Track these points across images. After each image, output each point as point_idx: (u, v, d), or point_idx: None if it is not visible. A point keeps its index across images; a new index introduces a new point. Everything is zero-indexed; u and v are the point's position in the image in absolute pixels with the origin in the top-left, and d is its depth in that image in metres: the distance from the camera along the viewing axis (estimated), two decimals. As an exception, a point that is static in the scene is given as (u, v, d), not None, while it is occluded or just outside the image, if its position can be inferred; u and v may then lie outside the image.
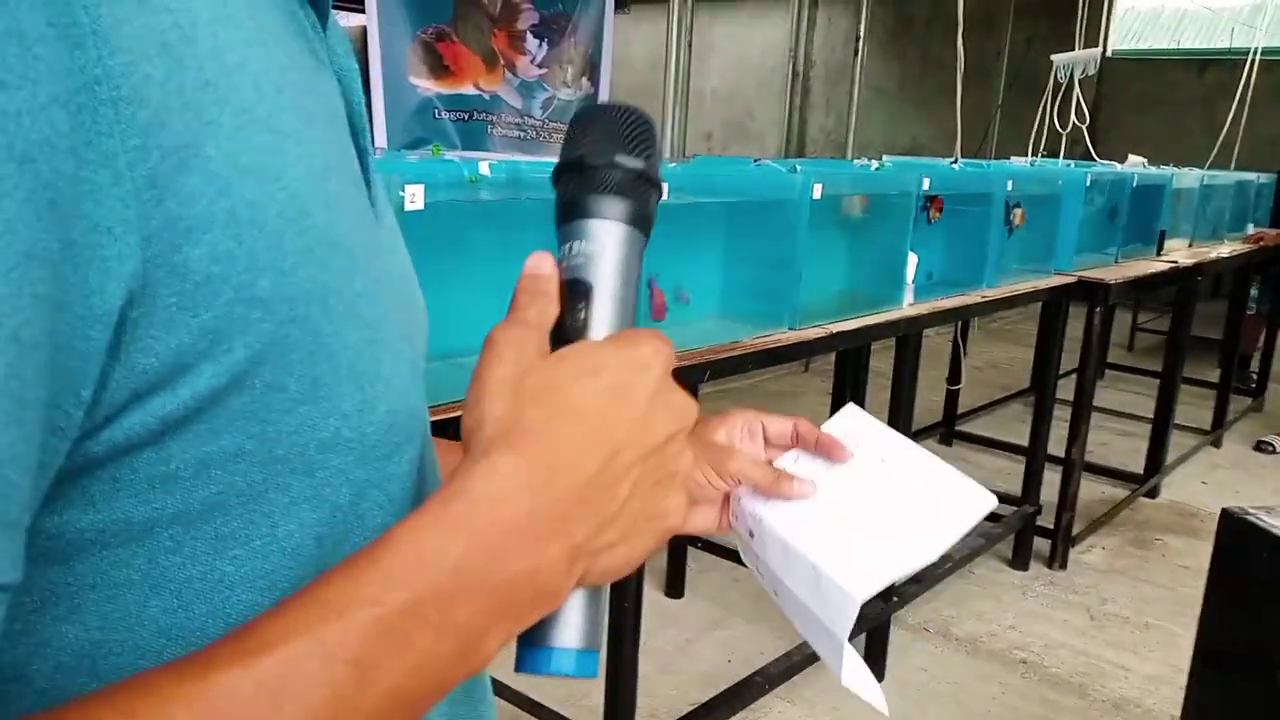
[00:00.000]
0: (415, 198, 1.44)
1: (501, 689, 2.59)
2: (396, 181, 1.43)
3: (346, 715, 0.37)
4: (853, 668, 0.67)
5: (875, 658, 2.98)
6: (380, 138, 3.66)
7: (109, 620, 0.39)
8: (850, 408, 0.77)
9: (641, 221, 0.54)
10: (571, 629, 0.49)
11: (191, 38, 0.37)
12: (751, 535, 0.74)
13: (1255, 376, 6.37)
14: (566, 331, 0.51)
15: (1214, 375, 5.74)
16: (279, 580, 0.43)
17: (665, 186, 1.88)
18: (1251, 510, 1.66)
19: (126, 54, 0.34)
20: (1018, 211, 3.35)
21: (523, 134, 4.29)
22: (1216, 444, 5.45)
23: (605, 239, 0.53)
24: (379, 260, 0.48)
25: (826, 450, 0.73)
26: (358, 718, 0.37)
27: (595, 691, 2.65)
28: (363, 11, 3.75)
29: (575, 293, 0.53)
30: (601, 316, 0.52)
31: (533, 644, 0.49)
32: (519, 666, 0.49)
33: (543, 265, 0.53)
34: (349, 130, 0.51)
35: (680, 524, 0.51)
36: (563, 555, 0.44)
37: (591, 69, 4.55)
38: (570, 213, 0.54)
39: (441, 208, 1.52)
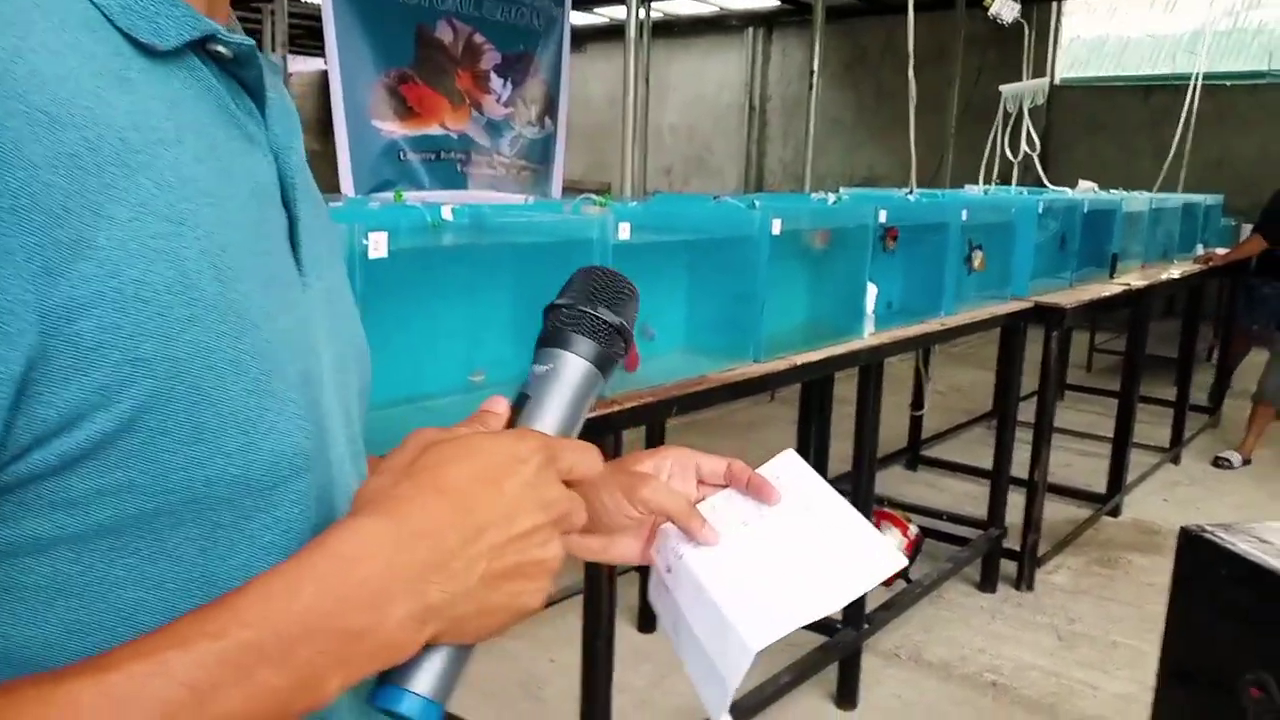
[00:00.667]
0: (378, 245, 1.45)
1: (476, 732, 2.57)
2: (359, 230, 1.44)
3: None
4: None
5: (848, 685, 2.99)
6: (345, 183, 3.66)
7: (18, 618, 0.47)
8: (788, 453, 0.79)
9: (603, 363, 0.63)
10: (425, 678, 0.54)
11: (97, 148, 0.44)
12: (669, 570, 0.74)
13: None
14: None
15: (1171, 393, 5.84)
16: (165, 580, 0.49)
17: (628, 226, 1.92)
18: (1209, 528, 1.70)
19: (28, 168, 0.42)
20: (978, 254, 3.42)
21: (493, 171, 4.32)
22: (1175, 461, 5.54)
23: (565, 368, 0.62)
24: (283, 318, 0.54)
25: (756, 491, 0.75)
26: None
27: (571, 731, 2.64)
28: (323, 56, 3.77)
29: (516, 403, 0.62)
30: (532, 423, 0.60)
31: (389, 681, 0.53)
32: (371, 696, 0.53)
33: (496, 405, 0.62)
34: (280, 201, 0.58)
35: (539, 607, 0.58)
36: (411, 615, 0.48)
37: (551, 107, 4.59)
38: (546, 339, 0.64)
39: (404, 255, 1.53)
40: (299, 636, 0.45)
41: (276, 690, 0.45)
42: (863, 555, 0.71)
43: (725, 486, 0.77)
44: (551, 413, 0.61)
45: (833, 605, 0.69)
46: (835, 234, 2.81)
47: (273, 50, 7.35)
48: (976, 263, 3.43)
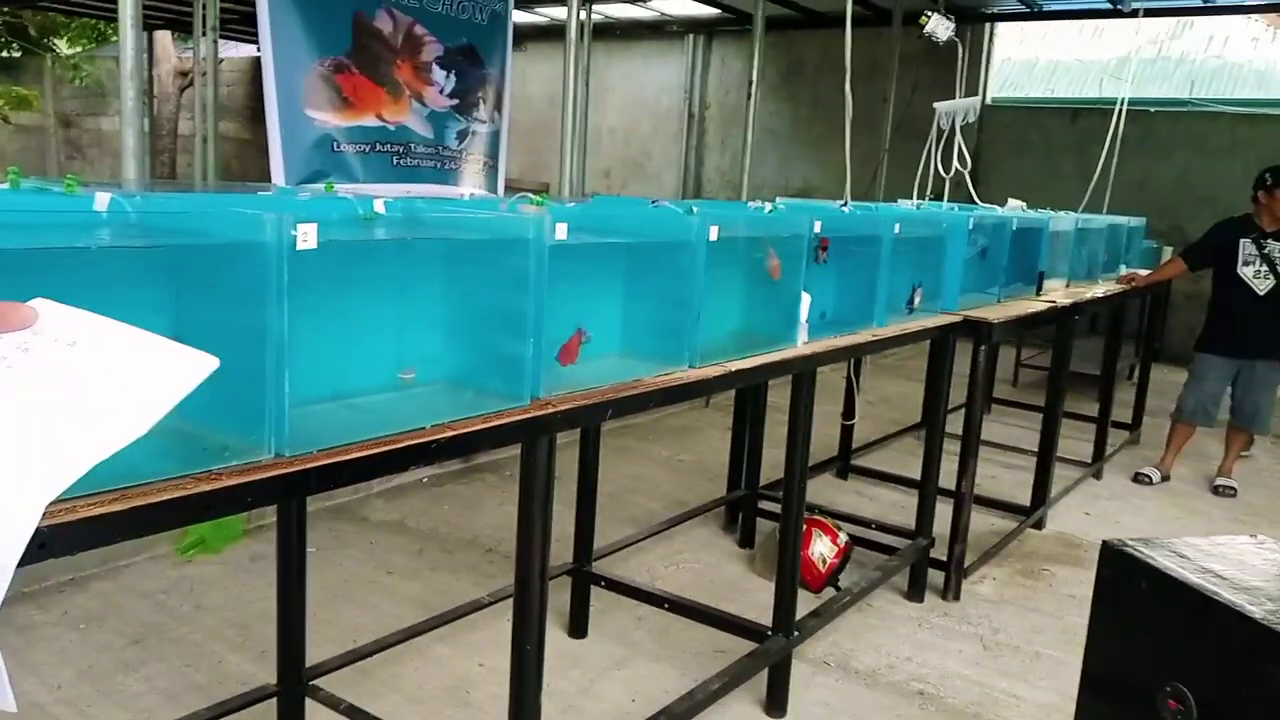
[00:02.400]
0: (308, 237, 1.40)
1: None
2: (288, 220, 1.39)
3: None
4: None
5: (778, 692, 2.99)
6: (277, 173, 3.57)
7: None
8: (37, 301, 0.65)
9: None
10: None
11: None
12: None
13: None
14: None
15: (1094, 409, 5.99)
16: None
17: (565, 226, 1.89)
18: (1130, 542, 1.73)
19: None
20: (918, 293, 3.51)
21: (438, 164, 4.25)
22: (1098, 476, 5.68)
23: None
24: None
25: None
26: None
27: (495, 738, 2.60)
28: (256, 43, 3.68)
29: None
30: None
31: None
32: None
33: None
34: None
35: None
36: None
37: (499, 101, 4.55)
38: None
39: (334, 247, 1.49)
40: None
41: None
42: (158, 370, 0.61)
43: None
44: None
45: (122, 437, 0.58)
46: (771, 243, 2.82)
47: (203, 34, 7.18)
48: (917, 300, 3.51)
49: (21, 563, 1.25)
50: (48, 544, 1.21)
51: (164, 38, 12.65)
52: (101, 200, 1.38)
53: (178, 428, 1.29)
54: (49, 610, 3.34)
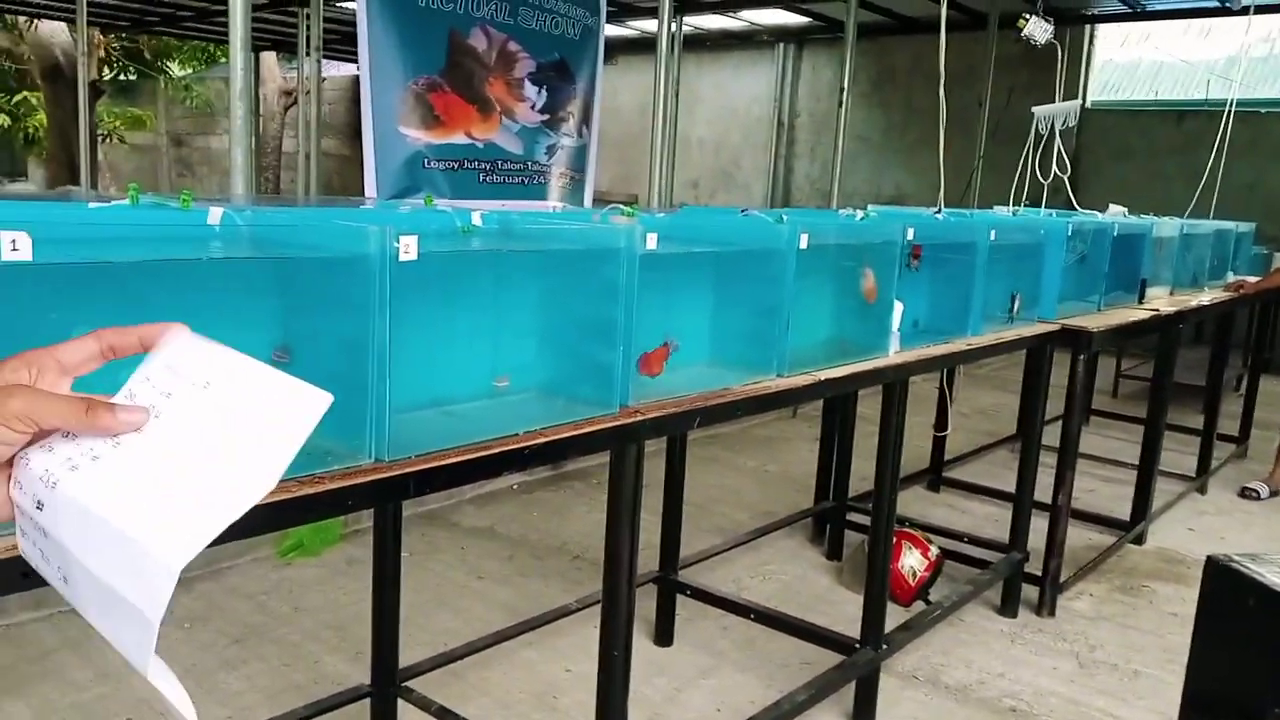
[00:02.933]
0: (409, 249, 1.45)
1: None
2: (390, 233, 1.44)
3: None
4: (160, 666, 0.58)
5: (865, 706, 2.96)
6: (370, 187, 3.68)
7: None
8: (175, 327, 0.65)
9: None
10: None
11: None
12: (40, 507, 0.60)
13: None
14: None
15: (1198, 421, 5.77)
16: None
17: (654, 236, 1.91)
18: (1236, 558, 1.67)
19: None
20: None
21: (524, 179, 4.32)
22: (1202, 490, 5.47)
23: None
24: None
25: (134, 348, 0.63)
26: None
27: (584, 742, 2.63)
28: (356, 62, 3.80)
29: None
30: None
31: None
32: None
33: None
34: None
35: None
36: None
37: (587, 115, 4.61)
38: None
39: (433, 258, 1.54)
40: None
41: None
42: (282, 412, 0.60)
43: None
44: None
45: (261, 486, 0.58)
46: (862, 251, 2.80)
47: (306, 54, 7.43)
48: (1017, 307, 3.45)
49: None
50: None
51: (269, 58, 13.14)
52: (215, 215, 1.45)
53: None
54: (160, 607, 3.49)
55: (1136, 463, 4.65)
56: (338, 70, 13.46)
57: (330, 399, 0.61)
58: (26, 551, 0.63)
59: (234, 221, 1.46)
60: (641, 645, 3.24)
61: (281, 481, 0.59)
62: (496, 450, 1.65)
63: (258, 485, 0.58)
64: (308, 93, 7.60)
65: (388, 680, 2.70)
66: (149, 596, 0.55)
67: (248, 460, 0.58)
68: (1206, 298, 5.17)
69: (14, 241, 1.13)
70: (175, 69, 15.90)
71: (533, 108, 4.27)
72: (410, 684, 2.76)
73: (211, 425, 0.60)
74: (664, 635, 3.41)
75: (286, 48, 11.93)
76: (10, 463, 0.61)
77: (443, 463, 1.57)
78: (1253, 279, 5.85)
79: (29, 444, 0.61)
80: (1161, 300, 4.70)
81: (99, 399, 0.61)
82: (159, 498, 0.57)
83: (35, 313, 1.29)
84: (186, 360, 0.63)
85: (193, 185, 16.28)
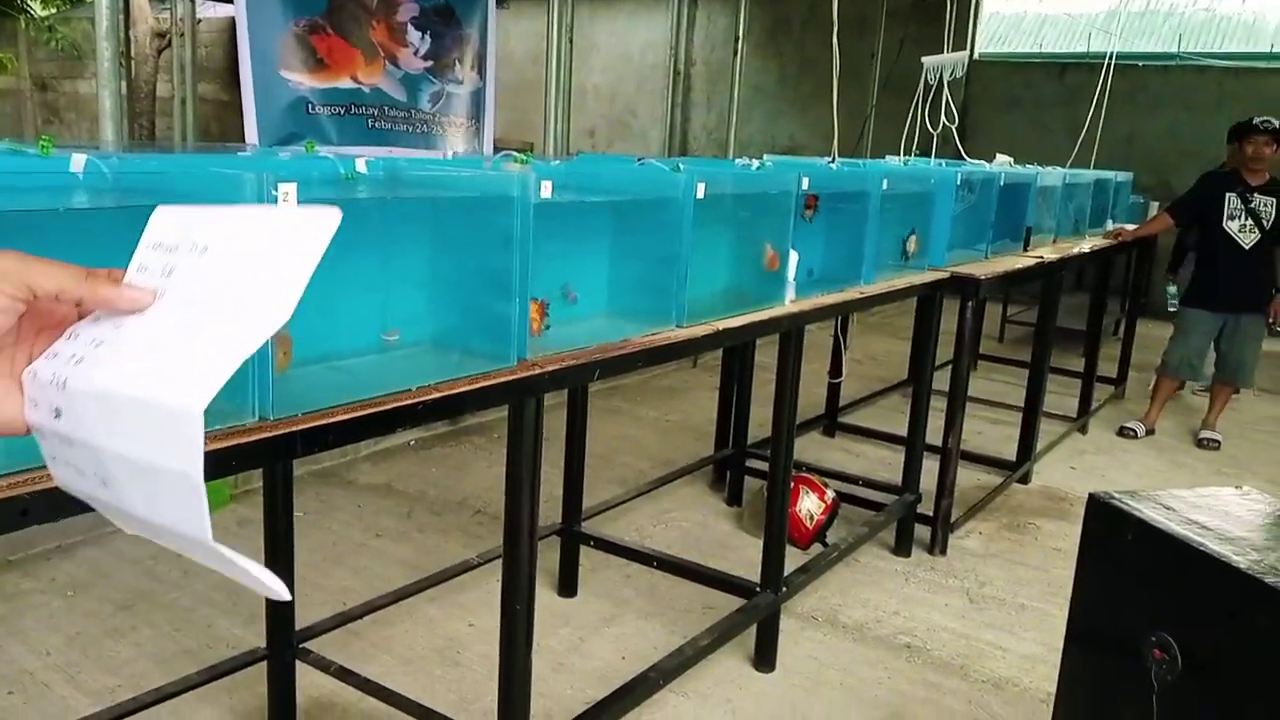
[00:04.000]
0: (288, 197, 1.38)
1: (391, 695, 2.54)
2: (269, 180, 1.37)
3: None
4: (231, 553, 0.56)
5: (766, 648, 3.02)
6: (251, 134, 3.52)
7: None
8: (159, 210, 0.63)
9: None
10: None
11: None
12: (59, 415, 0.57)
13: None
14: None
15: (1079, 364, 6.01)
16: None
17: (549, 184, 1.87)
18: (1116, 495, 1.74)
19: None
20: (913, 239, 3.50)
21: (411, 128, 4.19)
22: (1083, 430, 5.72)
23: None
24: None
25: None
26: None
27: (488, 693, 2.62)
28: (231, 3, 3.61)
29: None
30: None
31: None
32: None
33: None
34: None
35: None
36: None
37: (479, 62, 4.48)
38: None
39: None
40: None
41: None
42: (287, 241, 0.57)
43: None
44: None
45: (276, 315, 0.54)
46: (758, 200, 2.80)
47: (180, -6, 7.04)
48: (912, 249, 3.50)
49: (5, 529, 1.25)
50: (30, 511, 1.20)
51: (140, -3, 12.44)
52: (77, 162, 1.35)
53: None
54: (37, 577, 3.34)
55: (1022, 405, 4.82)
56: (214, 11, 12.82)
57: (339, 214, 0.56)
58: (59, 476, 0.60)
59: (99, 169, 1.37)
60: (545, 597, 3.24)
61: None
62: (389, 406, 1.60)
63: (271, 318, 0.54)
64: (181, 35, 7.22)
65: (284, 642, 2.63)
66: (184, 452, 0.52)
67: (257, 296, 0.55)
68: (1087, 245, 5.35)
69: None
70: (37, 8, 14.94)
71: (415, 53, 4.14)
72: (308, 645, 2.70)
73: (217, 285, 0.56)
74: (568, 586, 3.42)
75: (159, -13, 11.31)
76: (12, 346, 0.59)
77: (331, 420, 1.52)
78: (1130, 227, 6.08)
79: (28, 346, 0.59)
80: (1045, 248, 4.85)
81: (102, 275, 0.58)
82: (169, 357, 0.54)
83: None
84: (175, 232, 0.60)
85: (60, 133, 15.40)
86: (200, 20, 7.94)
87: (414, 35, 4.11)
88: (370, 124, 3.98)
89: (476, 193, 1.88)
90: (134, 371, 0.54)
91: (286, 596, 0.55)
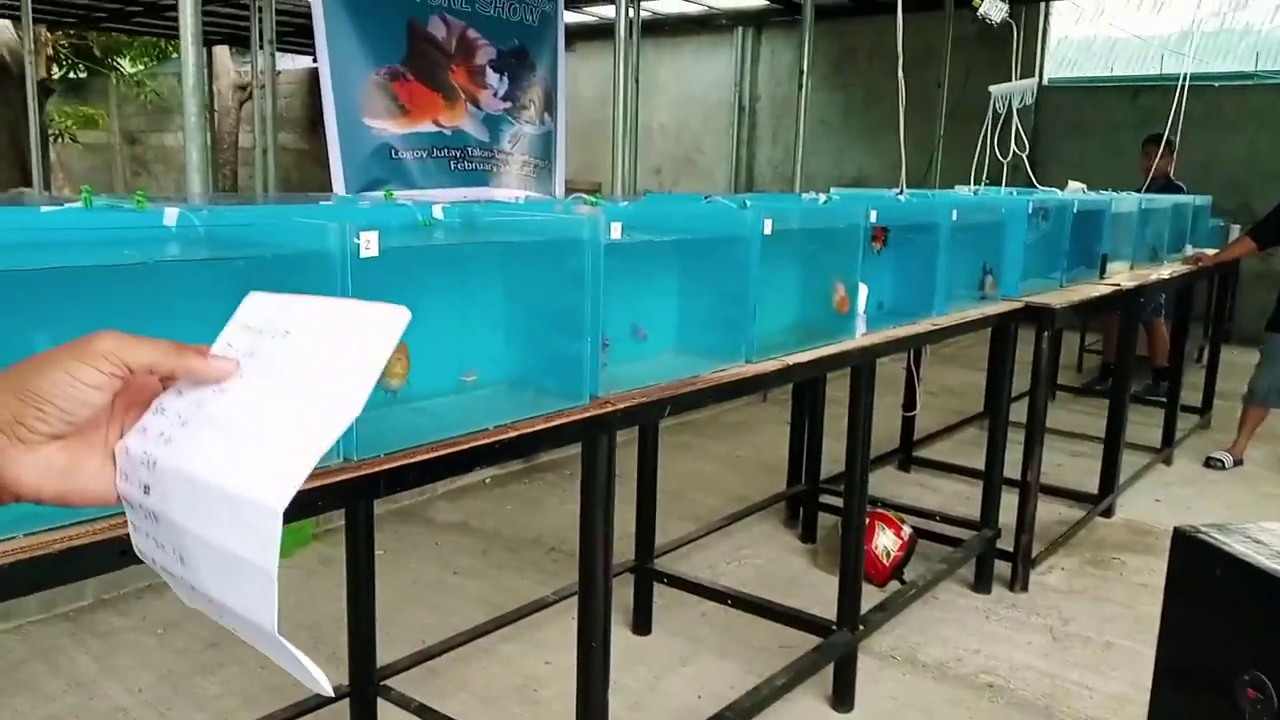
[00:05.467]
0: (370, 244, 1.43)
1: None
2: (350, 229, 1.42)
3: None
4: (288, 645, 0.57)
5: (844, 687, 2.98)
6: (337, 182, 3.64)
7: None
8: (251, 295, 0.66)
9: None
10: None
11: None
12: (148, 491, 0.60)
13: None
14: None
15: (1161, 394, 5.85)
16: None
17: (619, 225, 1.90)
18: (1203, 529, 1.69)
19: None
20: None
21: (493, 167, 4.29)
22: (1168, 461, 5.55)
23: None
24: None
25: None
26: None
27: (564, 734, 2.62)
28: (313, 54, 3.74)
29: None
30: None
31: None
32: None
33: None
34: None
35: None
36: None
37: (550, 104, 4.58)
38: None
39: (395, 253, 1.51)
40: None
41: None
42: (360, 336, 0.59)
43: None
44: None
45: (347, 411, 0.57)
46: (826, 234, 2.80)
47: (260, 47, 7.32)
48: (989, 286, 3.44)
49: (104, 569, 1.30)
50: (129, 551, 1.25)
51: (222, 52, 12.94)
52: (170, 215, 1.42)
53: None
54: (128, 615, 3.45)
55: (1102, 436, 4.71)
56: (292, 63, 13.27)
57: (408, 314, 0.60)
58: (140, 546, 0.64)
59: (190, 222, 1.44)
60: (620, 635, 3.24)
61: None
62: (466, 446, 1.64)
63: (343, 411, 0.57)
64: (262, 87, 7.49)
65: (366, 679, 2.68)
66: (263, 547, 0.55)
67: (331, 390, 0.58)
68: (1166, 271, 5.23)
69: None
70: (126, 66, 15.61)
71: (495, 94, 4.24)
72: (389, 682, 2.74)
73: (294, 368, 0.60)
74: (642, 624, 3.42)
75: (239, 41, 11.75)
76: (106, 420, 0.62)
77: (413, 460, 1.55)
78: (1211, 252, 5.93)
79: (120, 419, 0.63)
80: (1122, 275, 4.76)
81: (191, 350, 0.62)
82: (250, 447, 0.57)
83: (-13, 321, 1.25)
84: (262, 316, 0.64)
85: (148, 184, 16.02)
86: (279, 72, 8.23)
87: (492, 77, 4.22)
88: (453, 165, 4.08)
89: (548, 236, 1.93)
90: (221, 459, 0.57)
91: (329, 691, 0.58)
